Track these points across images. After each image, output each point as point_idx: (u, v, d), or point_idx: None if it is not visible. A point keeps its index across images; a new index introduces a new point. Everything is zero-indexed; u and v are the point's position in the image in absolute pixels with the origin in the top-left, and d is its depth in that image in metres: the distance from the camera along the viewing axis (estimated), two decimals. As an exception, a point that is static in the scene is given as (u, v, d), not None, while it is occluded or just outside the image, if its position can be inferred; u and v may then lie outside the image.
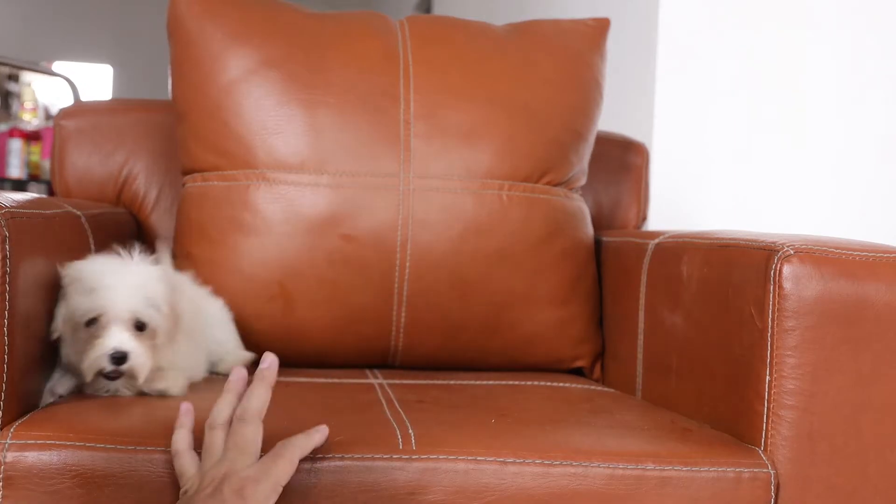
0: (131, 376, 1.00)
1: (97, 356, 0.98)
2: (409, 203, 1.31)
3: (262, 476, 0.82)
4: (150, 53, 6.57)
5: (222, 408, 0.89)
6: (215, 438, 0.87)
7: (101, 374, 0.99)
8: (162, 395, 1.04)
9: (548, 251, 1.35)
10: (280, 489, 0.84)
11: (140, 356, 0.98)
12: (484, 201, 1.33)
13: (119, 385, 1.01)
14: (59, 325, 1.00)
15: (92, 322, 0.98)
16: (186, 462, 0.87)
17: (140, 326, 1.00)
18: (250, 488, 0.81)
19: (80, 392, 1.04)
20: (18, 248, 0.93)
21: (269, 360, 0.91)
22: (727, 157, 1.95)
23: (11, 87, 5.22)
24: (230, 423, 0.88)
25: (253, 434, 0.86)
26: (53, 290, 1.04)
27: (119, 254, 1.04)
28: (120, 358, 0.97)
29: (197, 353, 1.15)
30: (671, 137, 1.93)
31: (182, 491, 0.86)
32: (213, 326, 1.23)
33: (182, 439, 0.88)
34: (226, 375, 0.94)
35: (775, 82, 1.95)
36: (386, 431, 0.95)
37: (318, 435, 0.88)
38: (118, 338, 0.97)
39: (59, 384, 1.03)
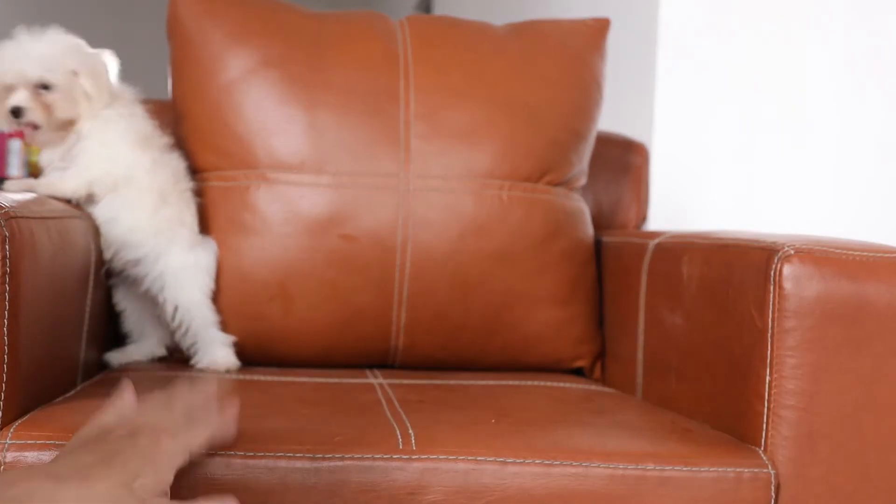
0: (42, 120, 1.23)
1: (4, 112, 1.24)
2: (409, 203, 1.31)
3: (178, 433, 0.82)
4: (150, 53, 6.58)
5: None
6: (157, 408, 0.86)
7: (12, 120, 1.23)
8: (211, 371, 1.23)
9: (548, 251, 1.35)
10: (188, 455, 0.83)
11: (34, 109, 1.22)
12: (484, 201, 1.33)
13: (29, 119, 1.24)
14: None
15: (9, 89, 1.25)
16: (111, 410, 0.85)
17: (45, 87, 1.23)
18: (166, 441, 0.81)
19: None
20: (18, 248, 0.93)
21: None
22: (727, 157, 1.95)
23: (11, 87, 5.21)
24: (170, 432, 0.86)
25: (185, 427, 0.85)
26: (54, 290, 1.04)
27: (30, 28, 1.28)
28: (16, 111, 1.22)
29: (179, 224, 1.29)
30: (671, 137, 1.93)
31: (92, 425, 0.84)
32: (184, 279, 1.27)
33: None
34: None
35: (775, 82, 1.95)
36: (386, 431, 0.95)
37: (232, 420, 0.88)
38: (17, 97, 1.22)
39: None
